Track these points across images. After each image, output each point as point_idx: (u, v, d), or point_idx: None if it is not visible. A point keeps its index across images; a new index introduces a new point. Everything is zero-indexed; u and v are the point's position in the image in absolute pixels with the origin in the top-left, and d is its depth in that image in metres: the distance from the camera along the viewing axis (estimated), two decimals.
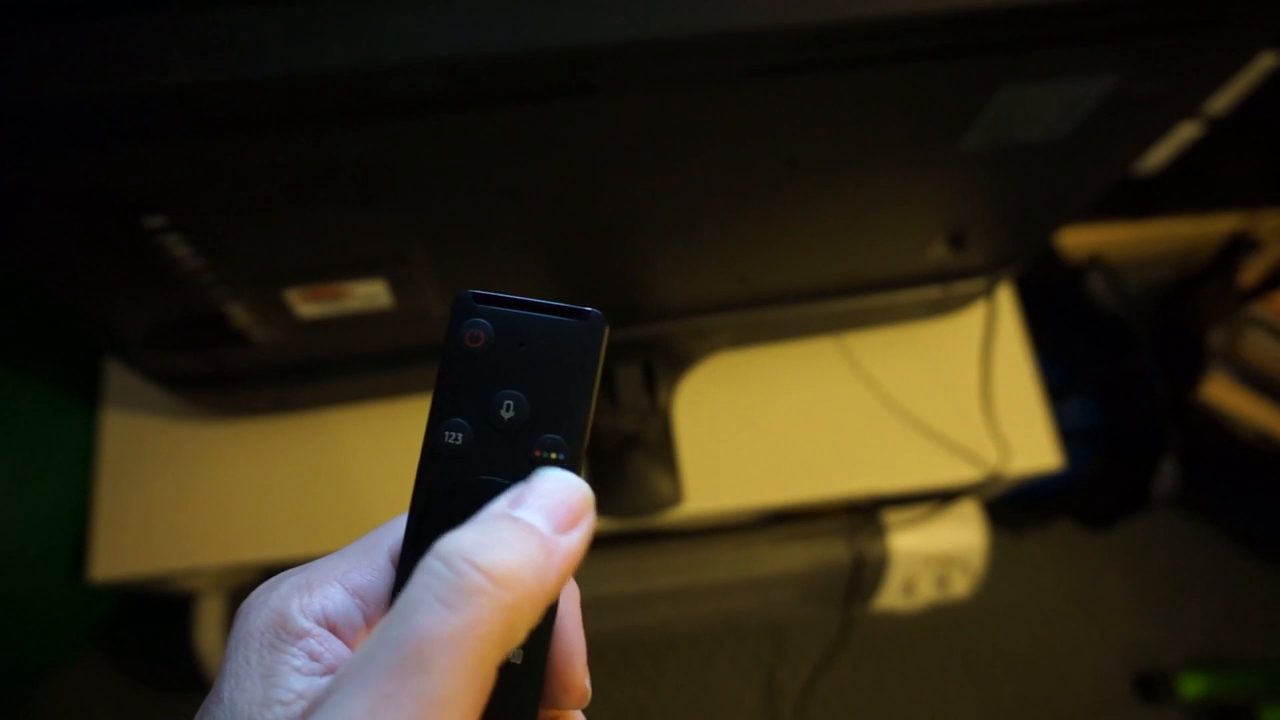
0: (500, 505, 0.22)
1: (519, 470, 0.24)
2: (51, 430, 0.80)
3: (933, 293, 0.75)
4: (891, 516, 0.92)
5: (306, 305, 0.56)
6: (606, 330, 0.24)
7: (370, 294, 0.56)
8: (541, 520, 0.22)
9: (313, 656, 0.22)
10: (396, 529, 0.25)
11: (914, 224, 0.63)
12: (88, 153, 0.40)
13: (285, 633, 0.22)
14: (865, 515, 0.92)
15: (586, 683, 0.25)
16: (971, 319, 0.84)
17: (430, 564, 0.20)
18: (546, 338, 0.24)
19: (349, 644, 0.23)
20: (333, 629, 0.23)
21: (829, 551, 0.91)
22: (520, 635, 0.20)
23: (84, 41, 0.36)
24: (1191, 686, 1.18)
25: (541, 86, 0.40)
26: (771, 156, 0.50)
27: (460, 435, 0.24)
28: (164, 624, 0.92)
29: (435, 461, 0.24)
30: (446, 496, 0.24)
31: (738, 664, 1.17)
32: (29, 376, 0.80)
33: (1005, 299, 0.86)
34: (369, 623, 0.23)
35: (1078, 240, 1.16)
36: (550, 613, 0.24)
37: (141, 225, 0.45)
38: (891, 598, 0.95)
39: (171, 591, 0.83)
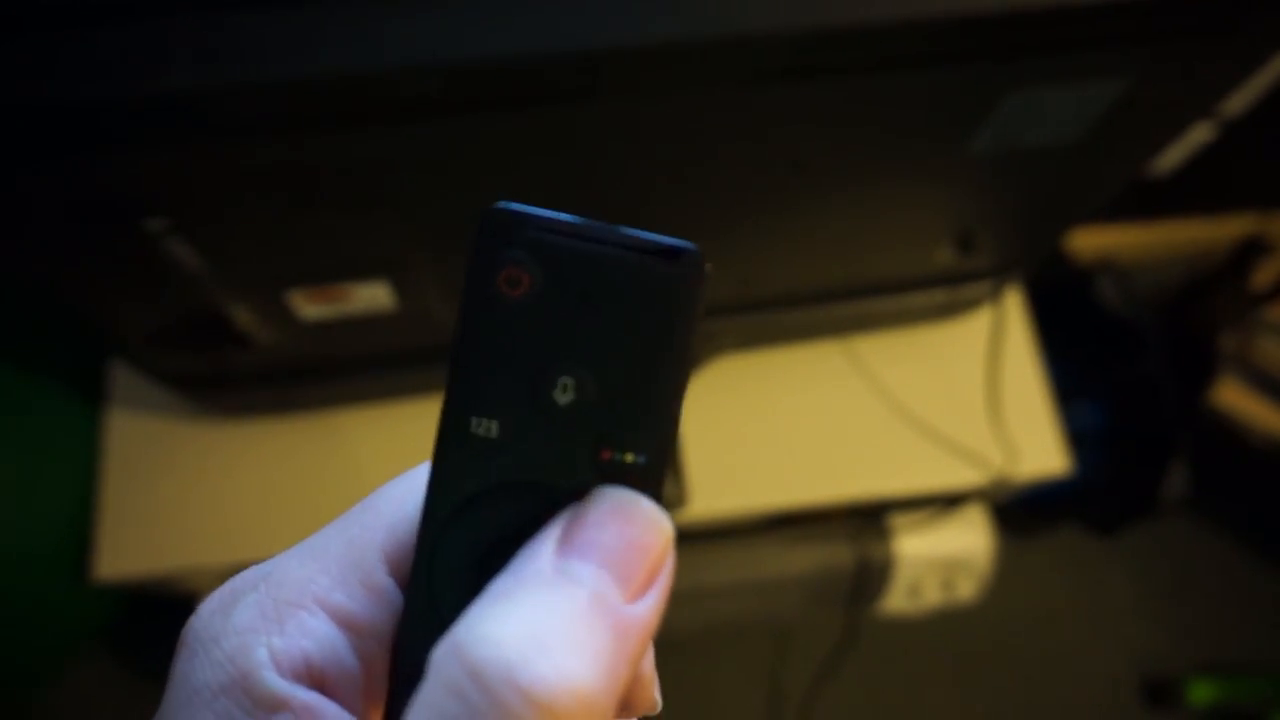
0: (544, 558, 0.16)
1: (578, 476, 0.17)
2: (56, 429, 0.80)
3: (940, 295, 0.75)
4: (897, 520, 0.91)
5: (310, 307, 0.56)
6: (708, 275, 0.17)
7: (373, 296, 0.56)
8: (607, 580, 0.15)
9: None
10: (388, 519, 0.18)
11: (921, 227, 0.63)
12: (90, 156, 0.40)
13: (252, 701, 0.15)
14: (870, 518, 0.91)
15: (657, 693, 0.19)
16: (979, 321, 0.83)
17: (456, 680, 0.14)
18: (620, 284, 0.17)
19: (342, 700, 0.16)
20: (318, 681, 0.16)
21: (834, 554, 0.90)
22: None
23: (87, 45, 0.36)
24: (1201, 693, 1.17)
25: (544, 91, 0.40)
26: (776, 160, 0.50)
27: (495, 424, 0.17)
28: (168, 623, 0.93)
29: (459, 456, 0.17)
30: (476, 504, 0.17)
31: (742, 667, 1.17)
32: (34, 376, 0.80)
33: (1013, 301, 0.85)
34: (367, 667, 0.17)
35: (1088, 242, 1.15)
36: None
37: (143, 228, 0.45)
38: (897, 601, 0.94)
39: (176, 591, 0.84)
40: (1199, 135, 0.96)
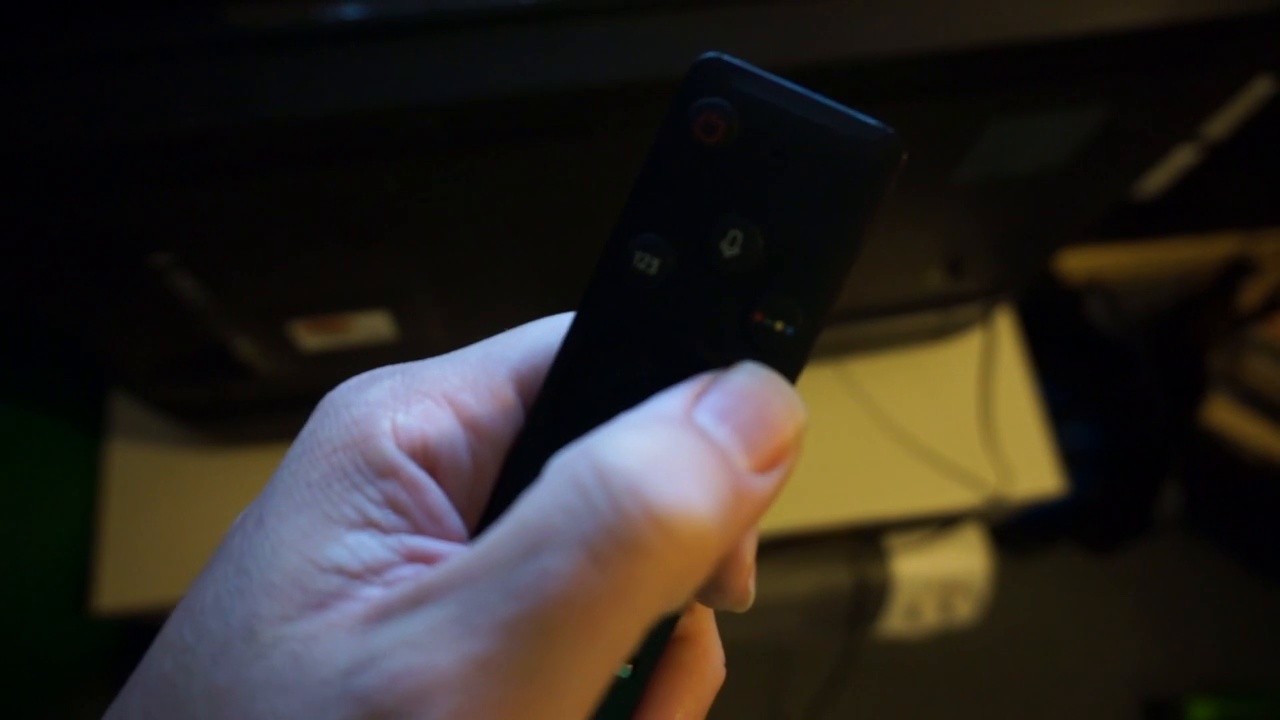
0: (679, 402, 0.16)
1: (724, 332, 0.17)
2: (57, 460, 0.80)
3: (932, 318, 0.76)
4: (894, 541, 0.92)
5: (311, 338, 0.57)
6: (902, 159, 0.17)
7: (373, 326, 0.57)
8: (735, 442, 0.15)
9: (395, 507, 0.16)
10: (527, 344, 0.18)
11: (911, 252, 0.64)
12: (98, 194, 0.41)
13: (366, 460, 0.16)
14: (867, 540, 0.92)
15: (750, 584, 0.19)
16: (972, 343, 0.84)
17: (580, 476, 0.14)
18: (814, 151, 0.17)
19: (450, 491, 0.17)
20: (431, 466, 0.17)
21: (831, 576, 0.91)
22: (680, 603, 0.15)
23: (97, 88, 0.37)
24: (1201, 712, 1.17)
25: (540, 127, 0.41)
26: None
27: (656, 261, 0.17)
28: None
29: (612, 287, 0.17)
30: (617, 338, 0.17)
31: (742, 690, 1.17)
32: (35, 406, 0.81)
33: (1005, 323, 0.86)
34: (478, 468, 0.17)
35: (1077, 263, 1.16)
36: None
37: (148, 262, 0.46)
38: (896, 622, 0.95)
39: None
40: (1184, 158, 0.98)
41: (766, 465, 0.16)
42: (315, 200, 0.44)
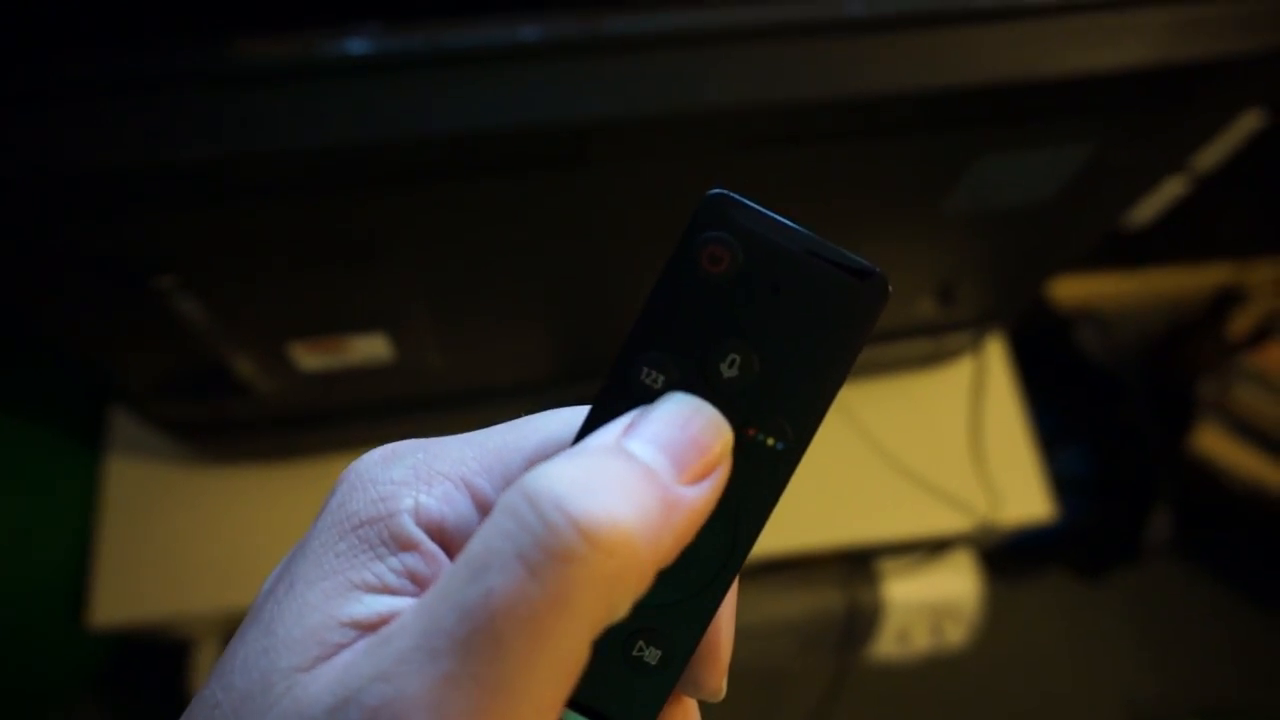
0: (610, 433, 0.17)
1: None
2: (56, 474, 0.81)
3: (923, 345, 0.77)
4: (885, 565, 0.92)
5: (309, 358, 0.58)
6: (887, 298, 0.18)
7: (371, 347, 0.58)
8: (662, 461, 0.17)
9: (412, 577, 0.17)
10: (542, 434, 0.20)
11: (900, 281, 0.65)
12: (106, 218, 0.42)
13: (390, 535, 0.18)
14: (859, 563, 0.92)
15: (723, 681, 0.21)
16: (963, 369, 0.85)
17: (514, 503, 0.15)
18: (808, 286, 0.18)
19: None
20: (447, 544, 0.18)
21: (822, 599, 0.91)
22: (622, 610, 0.16)
23: (106, 116, 0.38)
24: None
25: (536, 159, 0.42)
26: None
27: (662, 378, 0.19)
28: (160, 670, 0.92)
29: (620, 397, 0.19)
30: None
31: (733, 714, 1.16)
32: (34, 421, 0.81)
33: (996, 350, 0.87)
34: None
35: (1068, 290, 1.18)
36: (709, 607, 0.19)
37: (153, 284, 0.46)
38: (887, 646, 0.95)
39: (170, 637, 0.84)
40: (1174, 188, 0.99)
41: (694, 479, 0.17)
42: (317, 226, 0.45)
